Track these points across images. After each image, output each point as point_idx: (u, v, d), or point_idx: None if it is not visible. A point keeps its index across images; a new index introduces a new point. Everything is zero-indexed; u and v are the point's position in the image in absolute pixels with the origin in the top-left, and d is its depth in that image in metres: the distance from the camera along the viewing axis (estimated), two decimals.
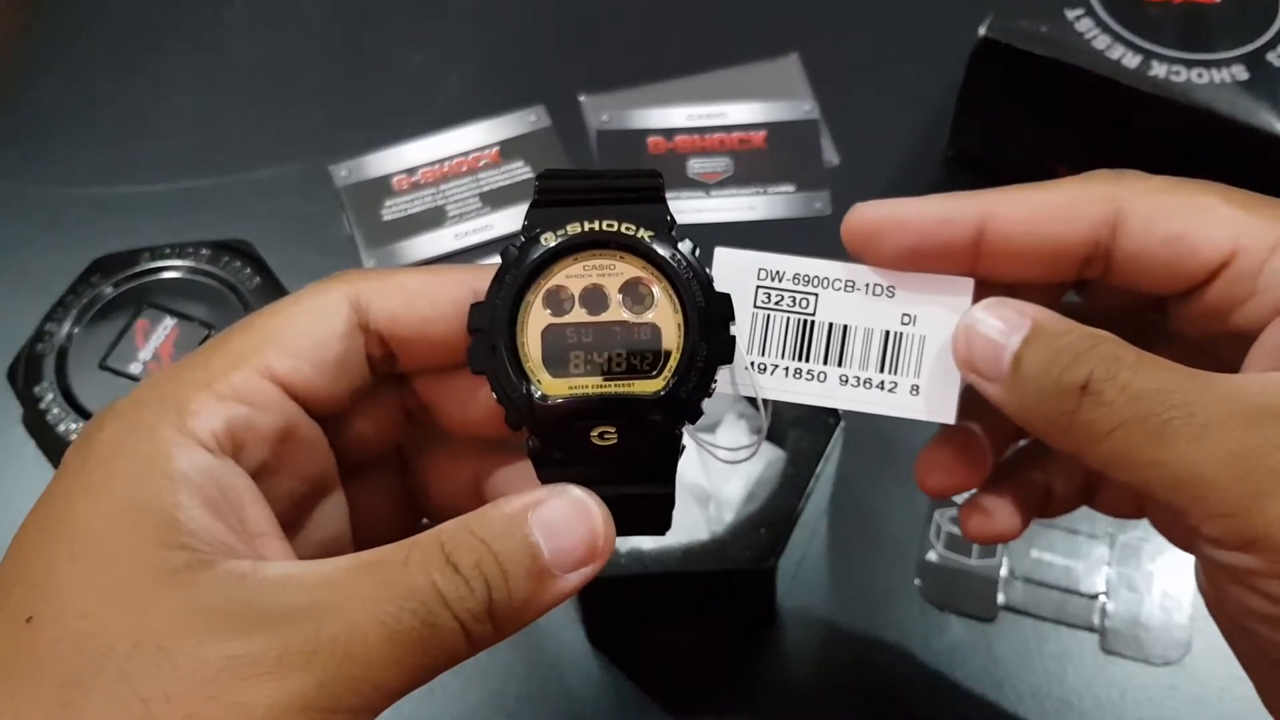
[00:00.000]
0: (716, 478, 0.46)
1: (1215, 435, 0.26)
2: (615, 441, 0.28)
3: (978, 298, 0.31)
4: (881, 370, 0.31)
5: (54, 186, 0.63)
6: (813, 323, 0.31)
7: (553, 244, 0.28)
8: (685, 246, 0.29)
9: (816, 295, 0.31)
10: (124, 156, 0.64)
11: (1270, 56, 0.52)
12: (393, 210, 0.62)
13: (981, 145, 0.61)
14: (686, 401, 0.28)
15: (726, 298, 0.29)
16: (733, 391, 0.31)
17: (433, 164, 0.63)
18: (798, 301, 0.31)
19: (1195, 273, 0.30)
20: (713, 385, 0.28)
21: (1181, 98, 0.51)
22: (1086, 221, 0.30)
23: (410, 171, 0.63)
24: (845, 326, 0.31)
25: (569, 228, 0.28)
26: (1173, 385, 0.26)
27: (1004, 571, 0.50)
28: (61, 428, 0.50)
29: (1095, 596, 0.49)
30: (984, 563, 0.50)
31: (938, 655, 0.48)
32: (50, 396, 0.51)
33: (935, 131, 0.62)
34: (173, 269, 0.55)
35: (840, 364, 0.31)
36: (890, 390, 0.31)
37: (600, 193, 0.29)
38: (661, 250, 0.28)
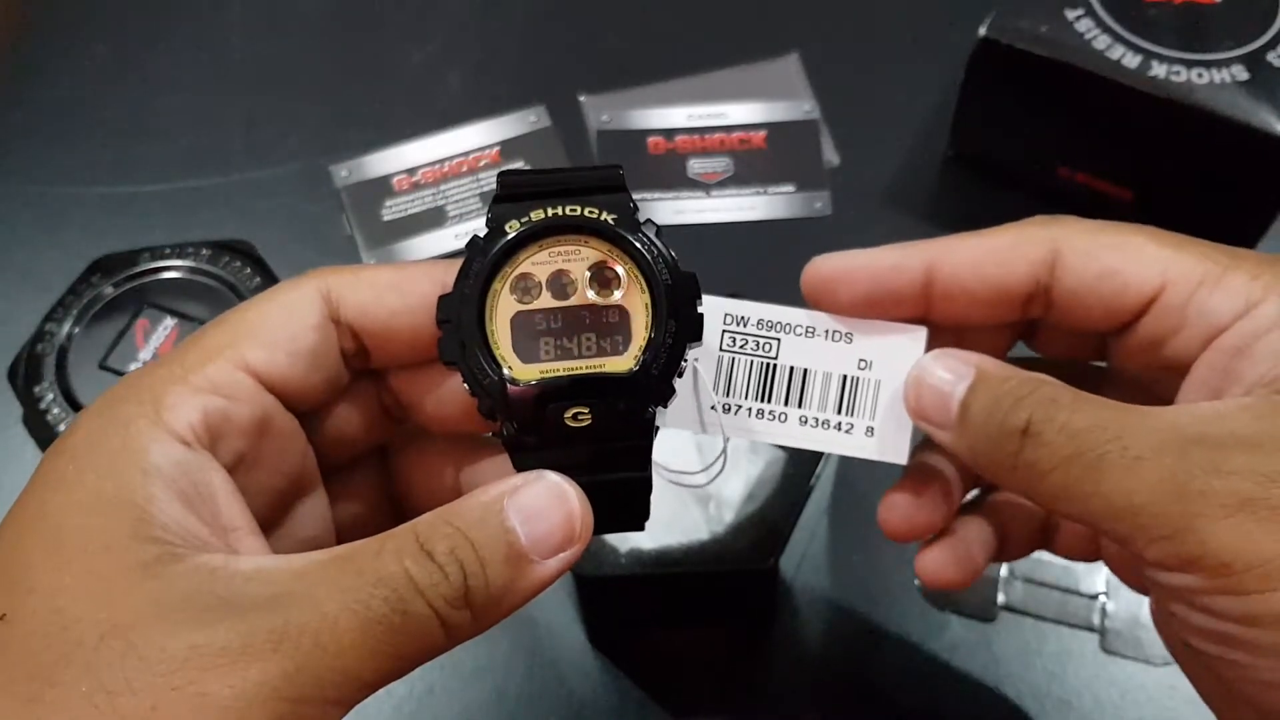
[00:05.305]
0: (717, 477, 0.46)
1: (1148, 464, 0.27)
2: (589, 423, 0.28)
3: (932, 344, 0.32)
4: (839, 412, 0.33)
5: (54, 186, 0.63)
6: (775, 366, 0.33)
7: (517, 231, 0.28)
8: (650, 229, 0.29)
9: (779, 340, 0.33)
10: (124, 156, 0.64)
11: (1270, 56, 0.52)
12: (393, 210, 0.62)
13: (981, 145, 0.61)
14: (658, 379, 0.28)
15: (692, 276, 0.29)
16: (700, 432, 0.32)
17: (433, 164, 0.63)
18: (761, 345, 0.33)
19: (1128, 306, 0.31)
20: (683, 364, 0.28)
21: (1181, 98, 0.51)
22: (1026, 262, 0.32)
23: (410, 171, 0.63)
24: (805, 370, 0.33)
25: (532, 215, 0.29)
26: (1106, 421, 0.28)
27: (1004, 571, 0.49)
28: (61, 428, 0.50)
29: (1095, 596, 0.49)
30: None
31: (938, 655, 0.48)
32: (50, 396, 0.51)
33: (935, 131, 0.62)
34: (173, 269, 0.55)
35: (800, 405, 0.33)
36: (847, 431, 0.33)
37: (562, 185, 0.29)
38: (626, 232, 0.28)
